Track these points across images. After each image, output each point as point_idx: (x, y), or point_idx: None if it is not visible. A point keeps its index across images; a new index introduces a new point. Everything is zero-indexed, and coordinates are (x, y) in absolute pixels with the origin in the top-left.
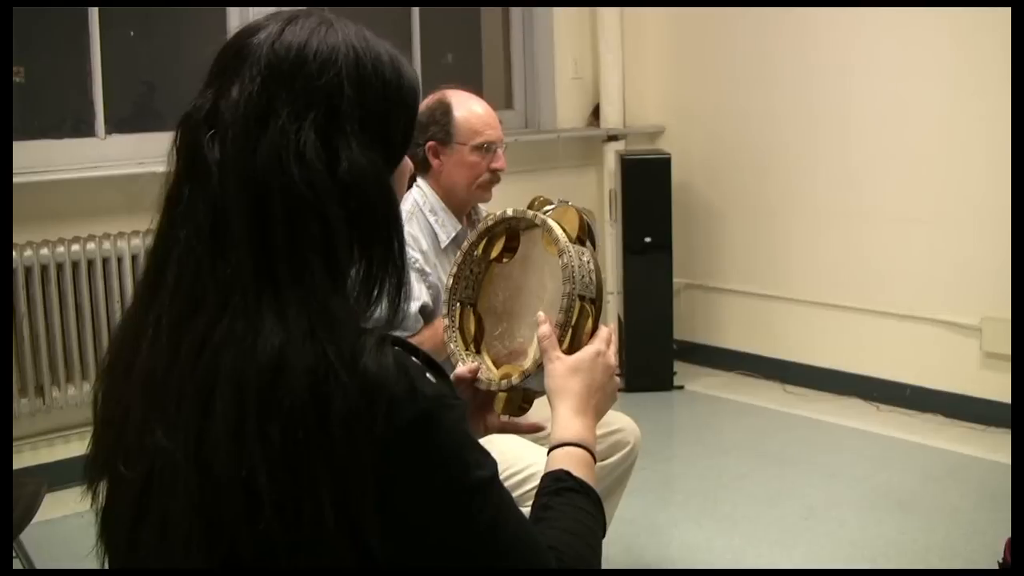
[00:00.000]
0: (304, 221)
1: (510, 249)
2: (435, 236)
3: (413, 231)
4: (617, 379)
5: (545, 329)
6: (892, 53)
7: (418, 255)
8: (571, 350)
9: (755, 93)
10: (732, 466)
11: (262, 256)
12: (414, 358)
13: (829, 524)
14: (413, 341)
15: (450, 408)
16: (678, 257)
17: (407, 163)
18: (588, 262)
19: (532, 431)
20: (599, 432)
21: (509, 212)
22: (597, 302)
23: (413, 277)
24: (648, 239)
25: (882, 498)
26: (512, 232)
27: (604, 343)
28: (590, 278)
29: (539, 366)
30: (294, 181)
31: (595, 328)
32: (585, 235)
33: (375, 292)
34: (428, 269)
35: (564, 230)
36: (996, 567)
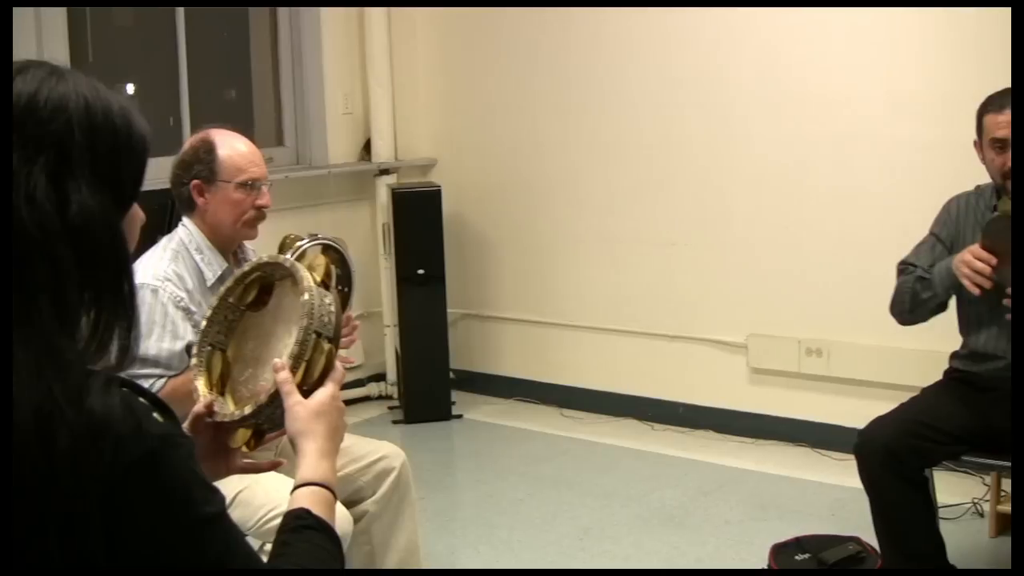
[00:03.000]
0: (33, 262)
1: (263, 301)
2: (201, 274)
3: (179, 269)
4: (346, 421)
5: (284, 375)
6: (649, 83)
7: (183, 294)
8: (303, 384)
9: (521, 124)
10: (510, 491)
11: None
12: (141, 398)
13: (604, 543)
14: (178, 380)
15: (176, 446)
16: (452, 288)
17: (138, 211)
18: (329, 304)
19: (271, 468)
20: (362, 464)
21: (264, 258)
22: (334, 341)
23: (178, 316)
24: (422, 271)
25: (655, 515)
26: (267, 281)
27: (338, 385)
28: (329, 318)
29: (271, 400)
30: (24, 223)
31: (328, 366)
32: (331, 281)
33: (105, 333)
34: (193, 307)
35: (311, 274)
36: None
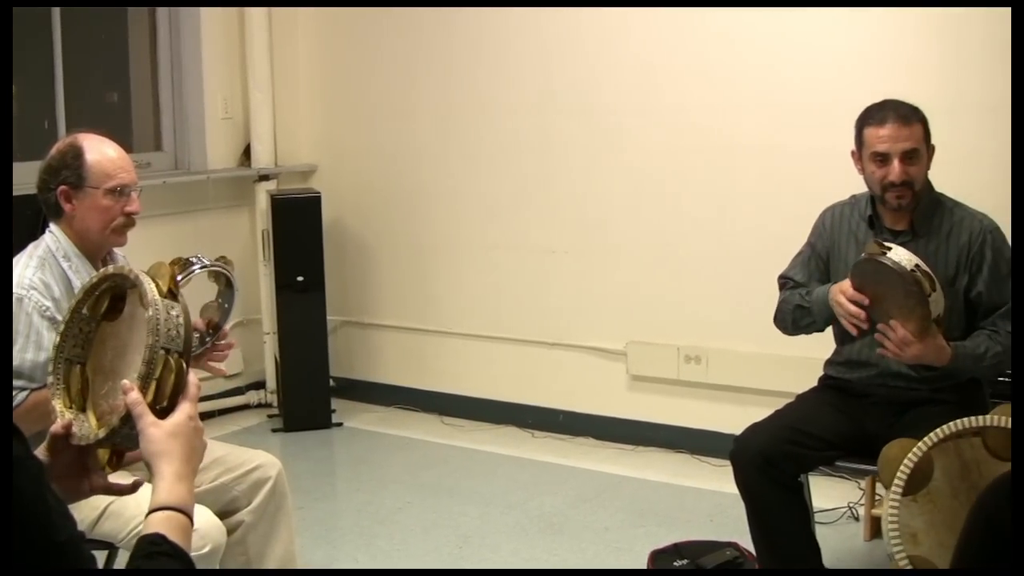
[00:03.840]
0: None
1: (118, 309)
2: (69, 282)
3: (45, 278)
4: (206, 440)
5: (133, 396)
6: (529, 91)
7: (49, 303)
8: (156, 403)
9: (402, 131)
10: (389, 500)
11: None
12: None
13: (483, 551)
14: (41, 393)
15: (22, 470)
16: (332, 295)
17: None
18: (177, 316)
19: (131, 491)
20: (237, 473)
21: (110, 269)
22: (184, 356)
23: (44, 326)
24: (301, 278)
25: (535, 522)
26: (119, 290)
27: (194, 403)
28: (177, 332)
29: (124, 421)
30: None
31: (180, 382)
32: (177, 289)
33: None
34: (59, 317)
35: (157, 284)
36: None
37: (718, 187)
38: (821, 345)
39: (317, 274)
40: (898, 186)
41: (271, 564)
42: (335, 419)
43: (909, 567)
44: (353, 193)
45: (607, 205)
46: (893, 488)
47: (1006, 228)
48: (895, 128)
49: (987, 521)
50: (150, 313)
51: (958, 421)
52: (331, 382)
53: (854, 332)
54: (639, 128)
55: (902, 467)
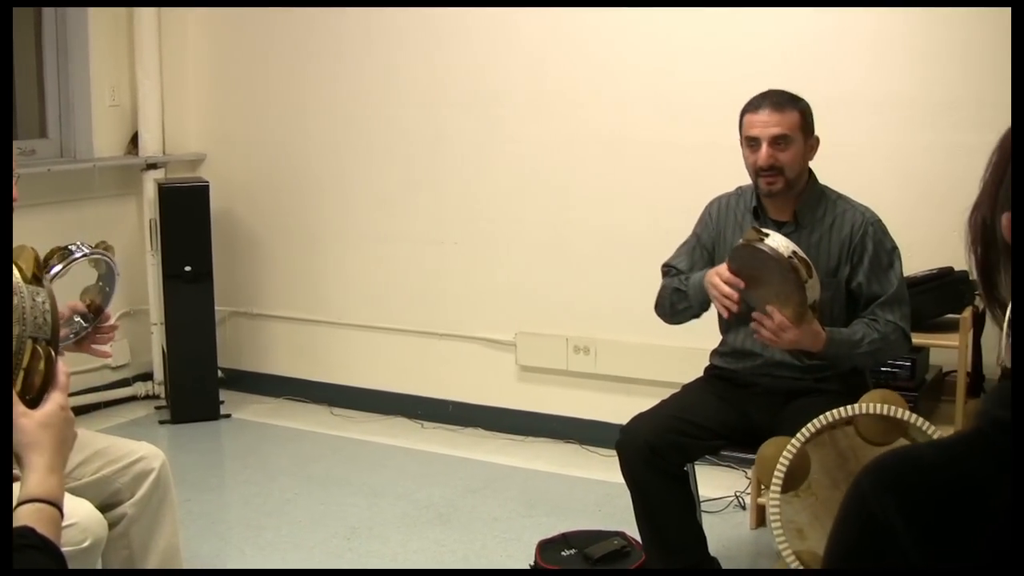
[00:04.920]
0: None
1: None
2: None
3: None
4: (76, 430)
5: None
6: (418, 82)
7: None
8: (25, 392)
9: (291, 120)
10: (278, 492)
11: None
12: None
13: (371, 543)
14: None
15: None
16: (221, 285)
17: None
18: (43, 302)
19: None
20: (120, 465)
21: None
22: (52, 343)
23: None
24: (189, 268)
25: (423, 512)
26: None
27: (65, 393)
28: (44, 318)
29: None
30: None
31: (49, 371)
32: (42, 273)
33: None
34: None
35: (20, 269)
36: (529, 569)
37: (607, 179)
38: (708, 336)
39: (205, 264)
40: (766, 171)
41: (154, 556)
42: (223, 411)
43: (796, 563)
44: (243, 182)
45: (496, 197)
46: (772, 488)
47: (889, 221)
48: (767, 114)
49: (861, 499)
50: (16, 301)
51: (828, 413)
52: (219, 373)
53: (726, 314)
54: (528, 120)
55: (778, 466)
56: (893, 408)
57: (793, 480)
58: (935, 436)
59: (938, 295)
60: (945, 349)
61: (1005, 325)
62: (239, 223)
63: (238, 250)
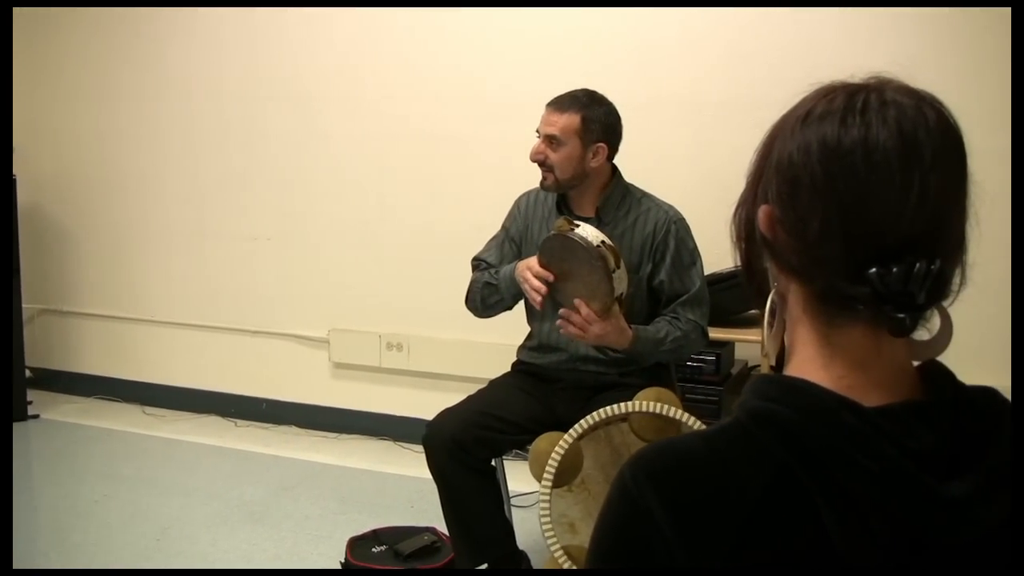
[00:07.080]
0: None
1: None
2: None
3: None
4: None
5: None
6: (234, 78)
7: None
8: None
9: (103, 114)
10: (86, 493)
11: None
12: None
13: (181, 543)
14: None
15: None
16: (29, 282)
17: None
18: None
19: None
20: None
21: None
22: None
23: None
24: None
25: (235, 511)
26: None
27: None
28: None
29: None
30: None
31: None
32: None
33: None
34: None
35: None
36: (339, 567)
37: (419, 177)
38: (517, 331)
39: (12, 260)
40: (538, 164)
41: None
42: (31, 411)
43: (563, 557)
44: (52, 177)
45: (310, 193)
46: (543, 482)
47: (692, 220)
48: (548, 112)
49: (623, 488)
50: None
51: (602, 410)
52: (27, 372)
53: (538, 306)
54: (342, 117)
55: (550, 461)
56: (665, 406)
57: (565, 475)
58: None
59: (742, 291)
60: (749, 344)
61: (766, 314)
62: (49, 218)
63: (48, 245)
